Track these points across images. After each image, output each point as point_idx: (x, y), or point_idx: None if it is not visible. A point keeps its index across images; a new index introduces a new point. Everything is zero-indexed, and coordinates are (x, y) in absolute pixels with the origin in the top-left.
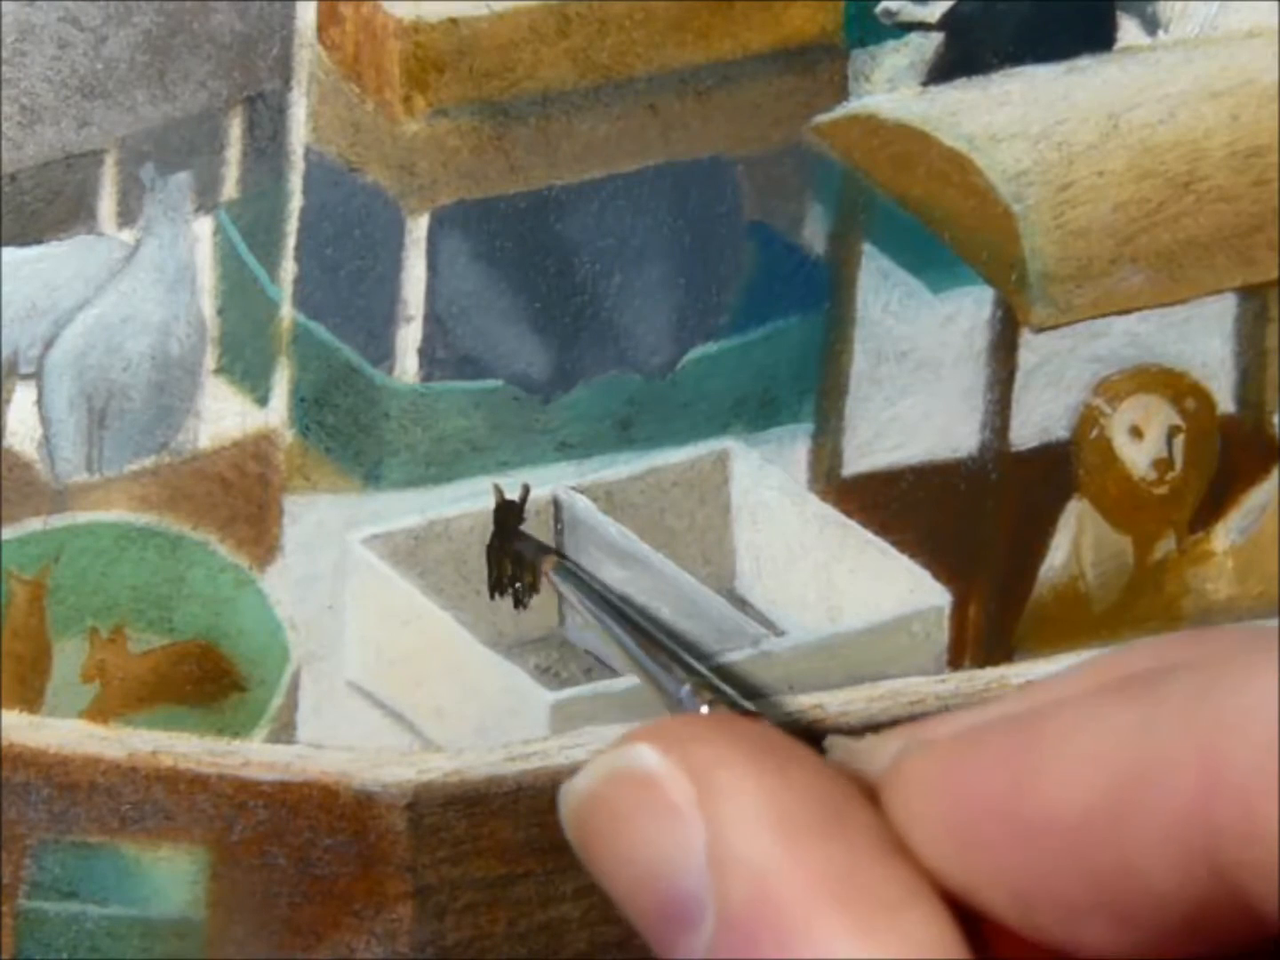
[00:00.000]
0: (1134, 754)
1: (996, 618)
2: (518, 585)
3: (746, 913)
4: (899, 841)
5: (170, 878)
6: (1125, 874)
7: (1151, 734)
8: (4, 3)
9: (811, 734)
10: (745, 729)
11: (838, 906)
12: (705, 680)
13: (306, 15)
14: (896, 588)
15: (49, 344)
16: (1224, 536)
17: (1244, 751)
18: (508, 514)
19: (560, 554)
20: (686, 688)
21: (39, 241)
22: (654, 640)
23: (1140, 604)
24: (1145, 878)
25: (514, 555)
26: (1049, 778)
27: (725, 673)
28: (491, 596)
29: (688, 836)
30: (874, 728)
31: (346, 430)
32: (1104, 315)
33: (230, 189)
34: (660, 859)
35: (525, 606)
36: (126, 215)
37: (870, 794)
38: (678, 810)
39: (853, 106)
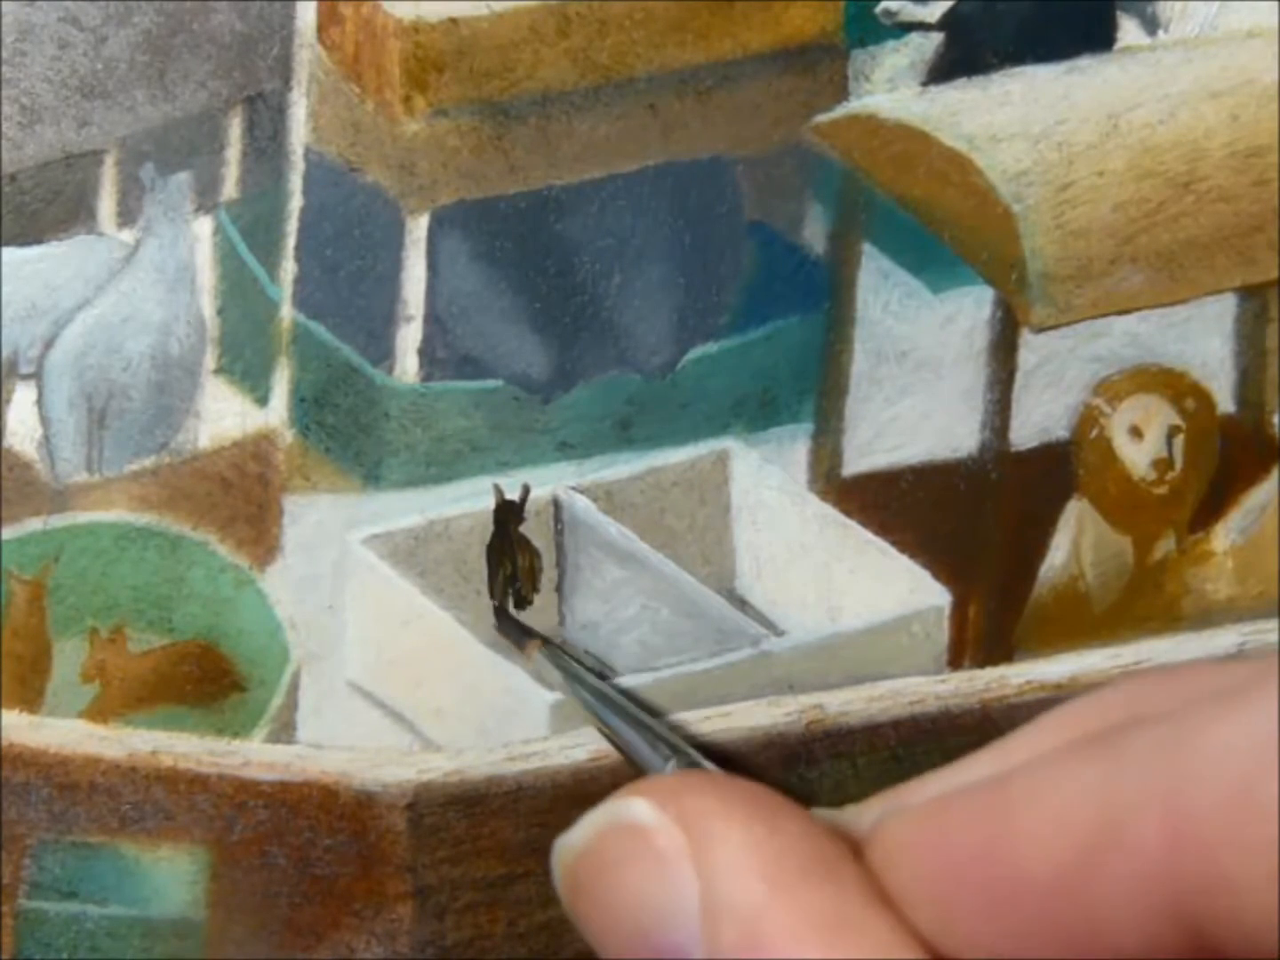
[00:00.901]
0: (1098, 812)
1: (996, 618)
2: (518, 584)
3: (737, 955)
4: (884, 894)
5: (170, 878)
6: (1095, 931)
7: (1115, 790)
8: (4, 3)
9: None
10: (736, 785)
11: (825, 946)
12: (690, 758)
13: (306, 15)
14: (896, 588)
15: (49, 344)
16: (1224, 536)
17: (1206, 802)
18: (508, 514)
19: (545, 638)
20: (671, 764)
21: (39, 241)
22: (638, 720)
23: (1140, 604)
24: (1115, 934)
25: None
26: (1019, 840)
27: (709, 748)
28: (496, 618)
29: (680, 886)
30: (874, 728)
31: (346, 430)
32: (1104, 315)
33: (230, 189)
34: (652, 908)
35: (529, 603)
36: (126, 215)
37: (856, 854)
38: (670, 860)
39: (853, 106)
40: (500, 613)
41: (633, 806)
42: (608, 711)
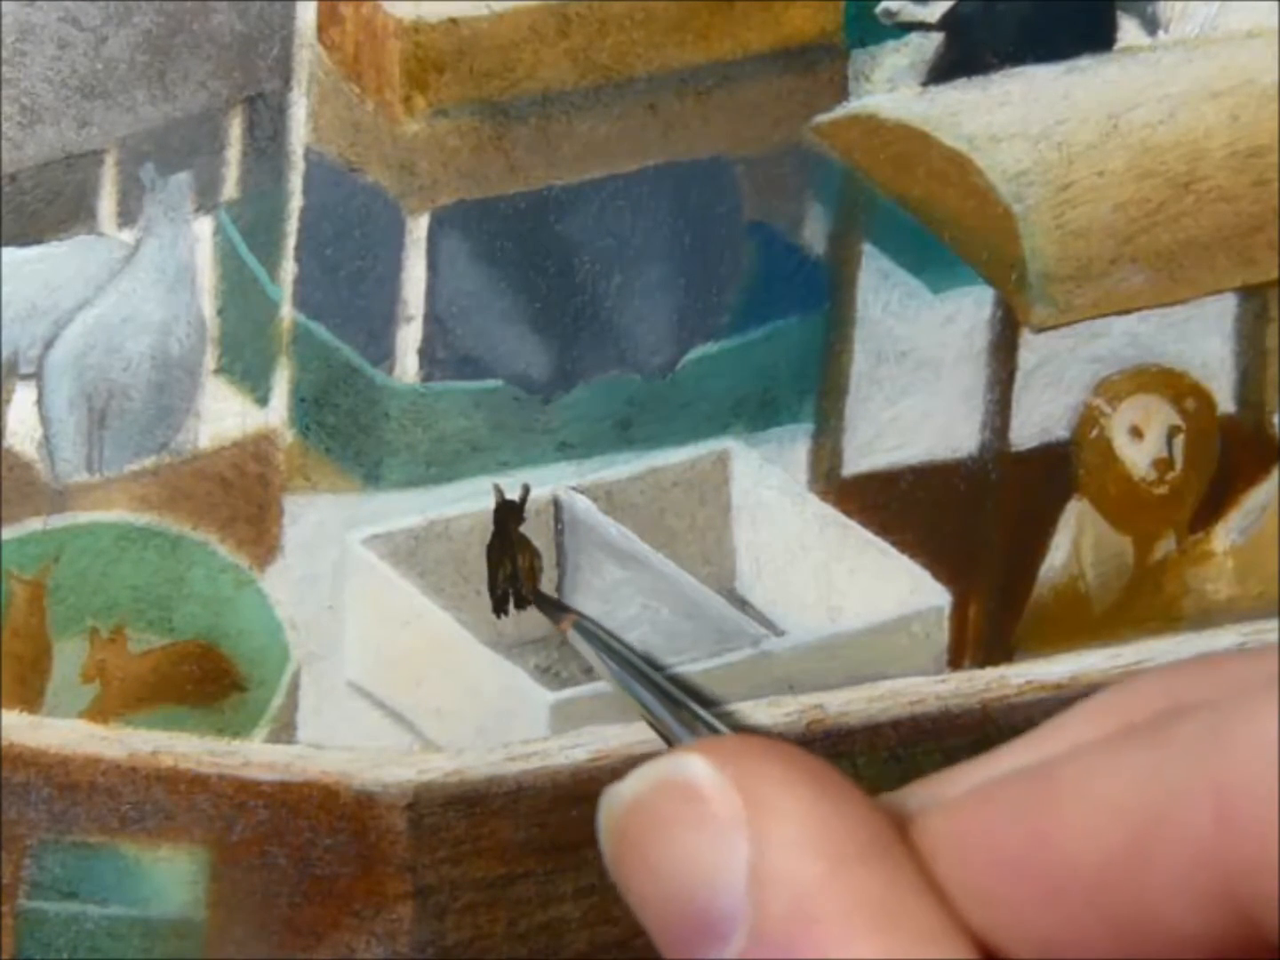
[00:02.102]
0: (1148, 799)
1: (996, 618)
2: (518, 585)
3: (783, 929)
4: (935, 882)
5: (170, 878)
6: (1146, 919)
7: (1164, 777)
8: (4, 3)
9: None
10: (797, 754)
11: (875, 932)
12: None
13: (306, 15)
14: (896, 588)
15: (49, 344)
16: (1224, 536)
17: (1257, 785)
18: (508, 514)
19: (580, 614)
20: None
21: (39, 241)
22: (674, 699)
23: (1140, 604)
24: (1166, 921)
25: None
26: (1065, 830)
27: (744, 724)
28: (496, 613)
29: (731, 852)
30: (874, 728)
31: (346, 430)
32: (1104, 315)
33: (230, 189)
34: (700, 871)
35: (529, 602)
36: (126, 215)
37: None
38: (723, 823)
39: (853, 106)
40: (535, 591)
41: (690, 764)
42: (641, 688)
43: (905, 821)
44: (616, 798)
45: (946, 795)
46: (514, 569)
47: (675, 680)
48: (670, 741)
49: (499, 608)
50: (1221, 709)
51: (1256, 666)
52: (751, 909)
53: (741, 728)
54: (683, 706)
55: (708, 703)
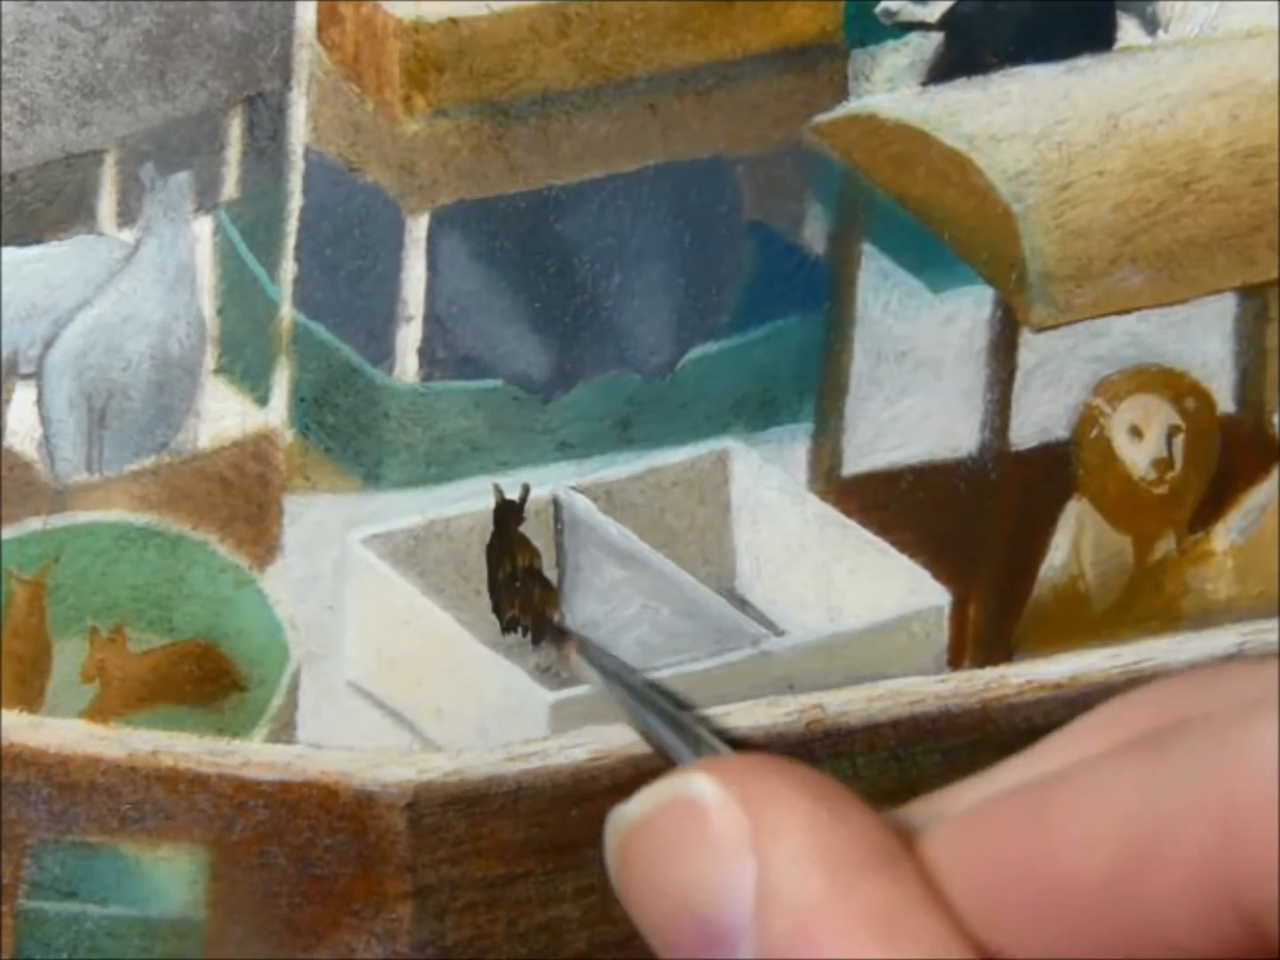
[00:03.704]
0: (1149, 812)
1: (996, 618)
2: (526, 624)
3: (788, 944)
4: (940, 893)
5: (170, 878)
6: (1149, 931)
7: (1165, 788)
8: (4, 3)
9: None
10: (801, 771)
11: (878, 943)
12: None
13: (306, 15)
14: (896, 588)
15: (49, 344)
16: (1224, 536)
17: (1259, 792)
18: (508, 514)
19: (584, 639)
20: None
21: (39, 241)
22: (679, 722)
23: (1140, 604)
24: (1169, 932)
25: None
26: (1067, 844)
27: (750, 744)
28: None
29: (737, 870)
30: (874, 728)
31: (346, 430)
32: (1104, 315)
33: (230, 189)
34: (706, 889)
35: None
36: (126, 215)
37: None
38: (729, 842)
39: (853, 106)
40: (540, 619)
41: (695, 783)
42: (648, 713)
43: (910, 837)
44: (622, 819)
45: (949, 811)
46: (514, 569)
47: (680, 703)
48: (676, 763)
49: (508, 628)
50: (1221, 721)
51: (1255, 678)
52: (757, 925)
53: (747, 748)
54: (688, 729)
55: (712, 725)
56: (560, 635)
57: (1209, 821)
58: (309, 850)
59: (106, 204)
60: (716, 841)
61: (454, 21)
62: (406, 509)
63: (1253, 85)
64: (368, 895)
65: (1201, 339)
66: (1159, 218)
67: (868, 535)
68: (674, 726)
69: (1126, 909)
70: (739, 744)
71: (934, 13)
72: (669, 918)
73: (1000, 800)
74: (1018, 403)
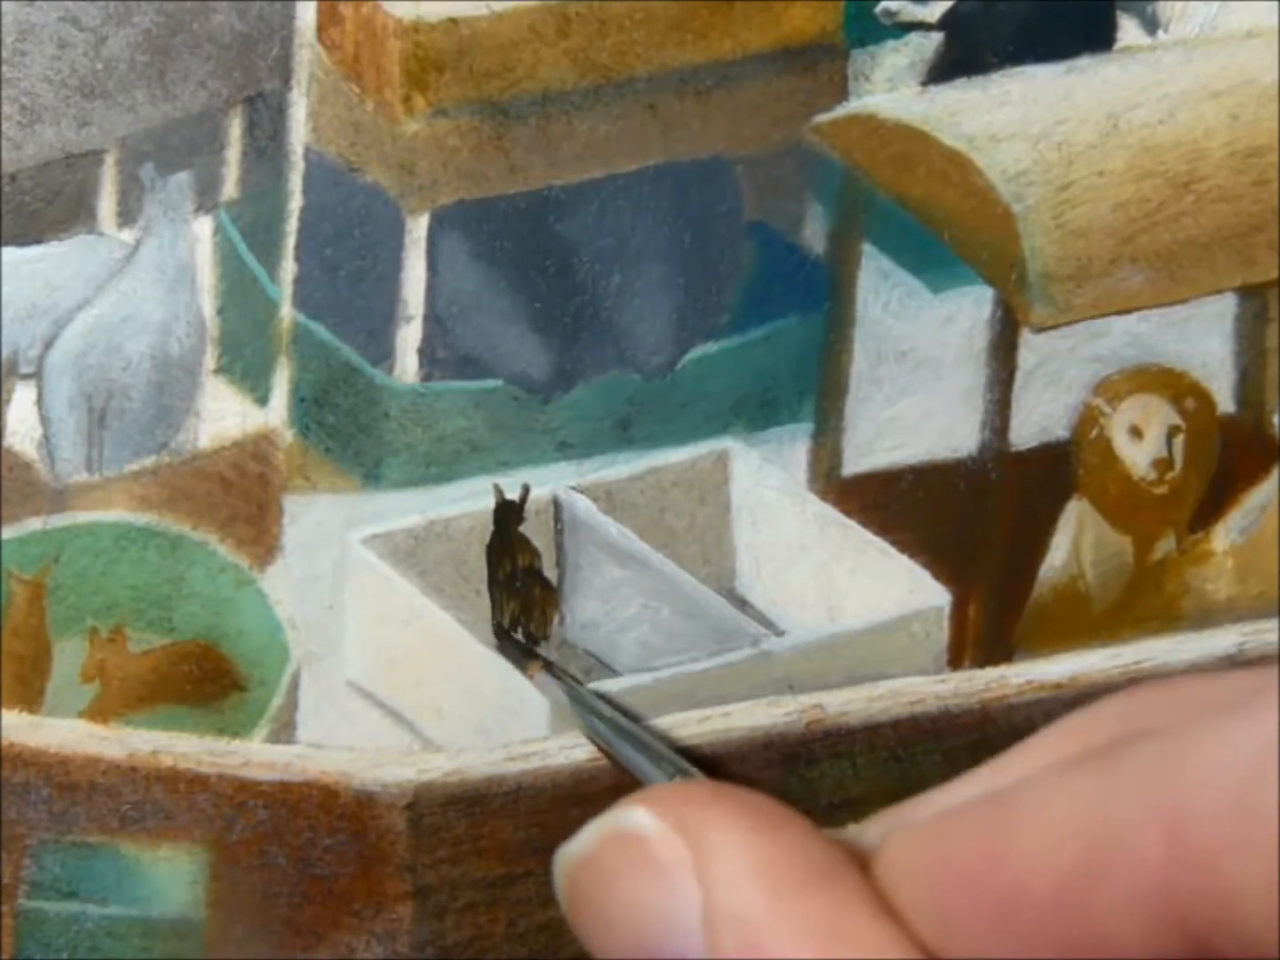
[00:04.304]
0: (1098, 823)
1: (996, 618)
2: (528, 630)
3: None
4: (886, 904)
5: (170, 878)
6: (1097, 942)
7: (1114, 803)
8: (4, 3)
9: None
10: (737, 794)
11: (825, 954)
12: (693, 777)
13: (306, 15)
14: (896, 588)
15: (49, 344)
16: (1224, 536)
17: (1205, 811)
18: (508, 514)
19: (546, 660)
20: (675, 781)
21: (39, 241)
22: (639, 740)
23: (1140, 604)
24: (1117, 945)
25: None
26: (1019, 853)
27: (712, 766)
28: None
29: (681, 897)
30: (874, 728)
31: (346, 430)
32: (1104, 315)
33: (230, 189)
34: (653, 918)
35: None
36: (126, 215)
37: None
38: (671, 871)
39: (853, 106)
40: (500, 632)
41: (634, 815)
42: (609, 731)
43: (868, 850)
44: (567, 856)
45: (909, 821)
46: (514, 569)
47: (641, 722)
48: (637, 783)
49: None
50: (1172, 735)
51: (1212, 691)
52: (706, 948)
53: (705, 764)
54: (649, 748)
55: (675, 745)
56: (524, 652)
57: (1153, 836)
58: (309, 850)
59: (106, 204)
60: (659, 871)
61: (454, 21)
62: (406, 509)
63: (1253, 85)
64: (368, 895)
65: (1201, 339)
66: (1159, 218)
67: (868, 535)
68: (634, 744)
69: (1077, 920)
70: (700, 760)
71: (934, 13)
72: (621, 948)
73: (959, 810)
74: (1018, 403)
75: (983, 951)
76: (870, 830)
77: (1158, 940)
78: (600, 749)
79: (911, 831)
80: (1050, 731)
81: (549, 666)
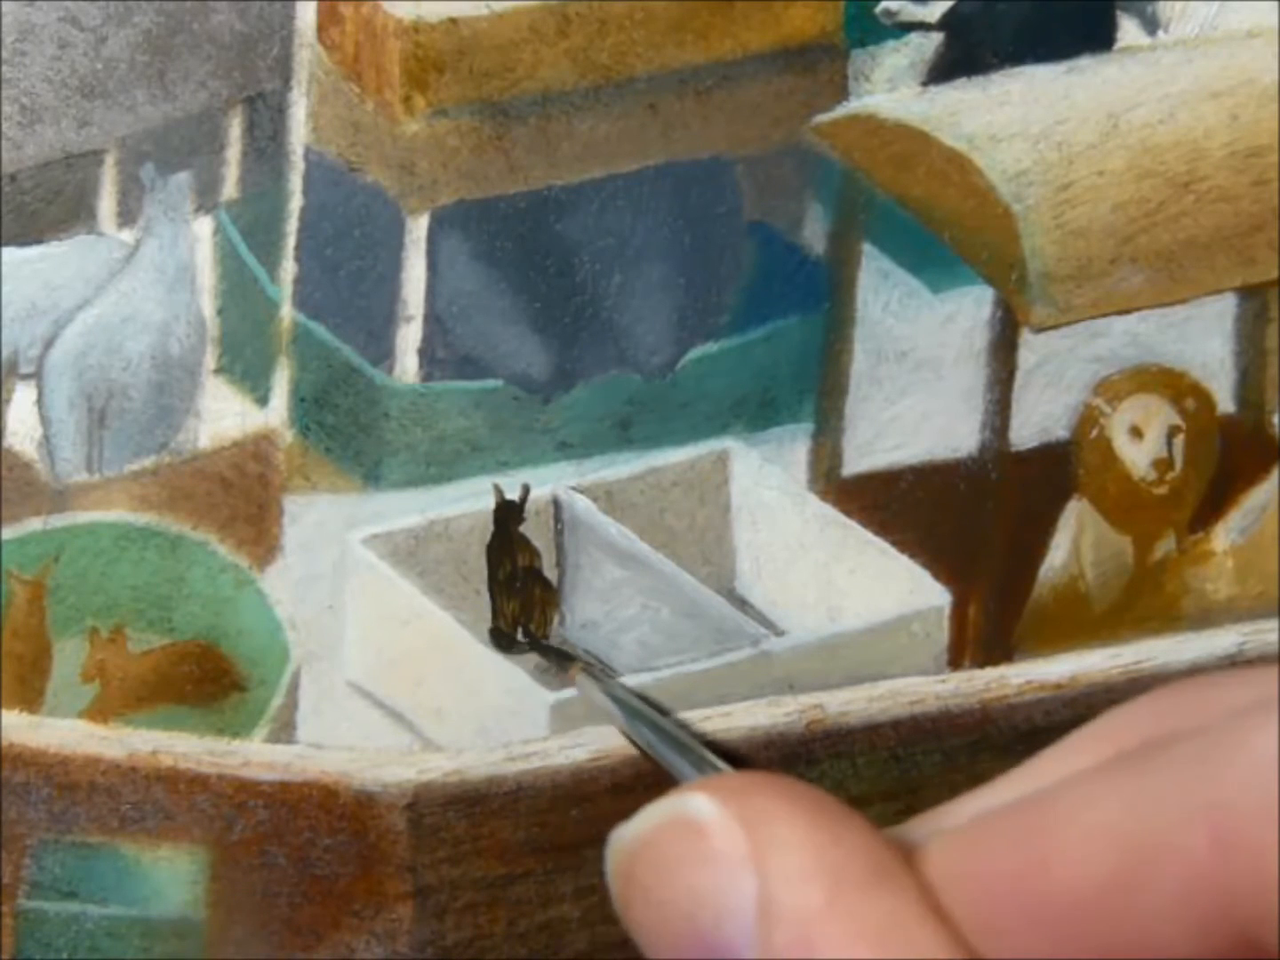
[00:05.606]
0: (1142, 824)
1: (996, 618)
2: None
3: (790, 958)
4: (939, 906)
5: (170, 878)
6: (1145, 943)
7: (1158, 802)
8: (4, 3)
9: None
10: (799, 788)
11: (878, 956)
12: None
13: (306, 15)
14: (896, 588)
15: (49, 344)
16: (1224, 536)
17: (1252, 806)
18: (508, 514)
19: (587, 662)
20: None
21: (39, 241)
22: (681, 742)
23: (1140, 604)
24: (1163, 945)
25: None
26: (1061, 857)
27: (745, 761)
28: (534, 647)
29: (737, 887)
30: (874, 728)
31: (346, 430)
32: (1104, 315)
33: (230, 189)
34: (707, 906)
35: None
36: (126, 215)
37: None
38: (728, 860)
39: (853, 106)
40: (536, 642)
41: (694, 802)
42: (650, 732)
43: (910, 852)
44: (622, 839)
45: (947, 826)
46: (514, 569)
47: (683, 724)
48: (679, 782)
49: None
50: (1214, 732)
51: (1248, 688)
52: (759, 940)
53: (745, 764)
54: (691, 751)
55: (715, 747)
56: (563, 657)
57: (1200, 834)
58: (309, 850)
59: (106, 204)
60: (717, 859)
61: (454, 21)
62: (406, 509)
63: (1253, 85)
64: (368, 895)
65: (1201, 339)
66: (1159, 218)
67: (868, 535)
68: (674, 744)
69: (1121, 921)
70: (738, 760)
71: (934, 13)
72: (671, 935)
73: (997, 814)
74: (1018, 403)
75: (1028, 956)
76: (912, 832)
77: (1206, 939)
78: (641, 750)
79: (949, 837)
80: (1082, 733)
81: (589, 668)
